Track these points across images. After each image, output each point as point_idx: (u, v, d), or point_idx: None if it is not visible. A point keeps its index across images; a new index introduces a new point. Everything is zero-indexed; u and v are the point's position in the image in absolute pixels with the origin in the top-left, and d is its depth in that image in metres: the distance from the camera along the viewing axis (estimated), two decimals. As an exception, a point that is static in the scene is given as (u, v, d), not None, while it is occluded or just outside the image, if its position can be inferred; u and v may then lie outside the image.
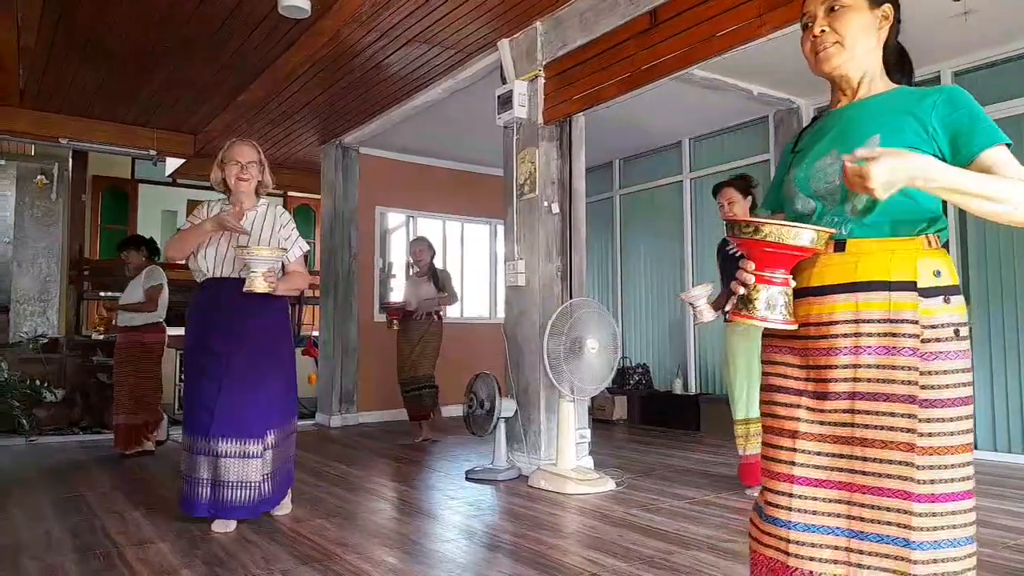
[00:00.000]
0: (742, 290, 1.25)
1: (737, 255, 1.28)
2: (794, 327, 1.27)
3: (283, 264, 3.16)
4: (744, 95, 5.27)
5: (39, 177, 8.22)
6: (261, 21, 4.41)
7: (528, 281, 4.34)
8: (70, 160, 7.76)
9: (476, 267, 7.97)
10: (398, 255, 7.58)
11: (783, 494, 1.30)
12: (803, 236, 1.19)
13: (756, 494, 3.36)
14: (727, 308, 1.26)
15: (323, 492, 3.77)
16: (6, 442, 5.50)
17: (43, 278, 8.09)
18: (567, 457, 3.88)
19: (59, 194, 8.20)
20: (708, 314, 3.56)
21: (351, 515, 3.30)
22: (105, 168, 8.33)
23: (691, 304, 3.51)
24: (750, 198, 3.73)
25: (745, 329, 3.60)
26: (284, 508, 3.27)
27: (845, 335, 1.26)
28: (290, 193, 9.48)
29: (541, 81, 4.34)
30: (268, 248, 2.96)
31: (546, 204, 4.28)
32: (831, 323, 1.28)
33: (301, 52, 4.79)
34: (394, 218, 7.56)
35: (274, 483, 3.09)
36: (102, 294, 7.83)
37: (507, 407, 4.23)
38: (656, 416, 6.47)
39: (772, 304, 1.24)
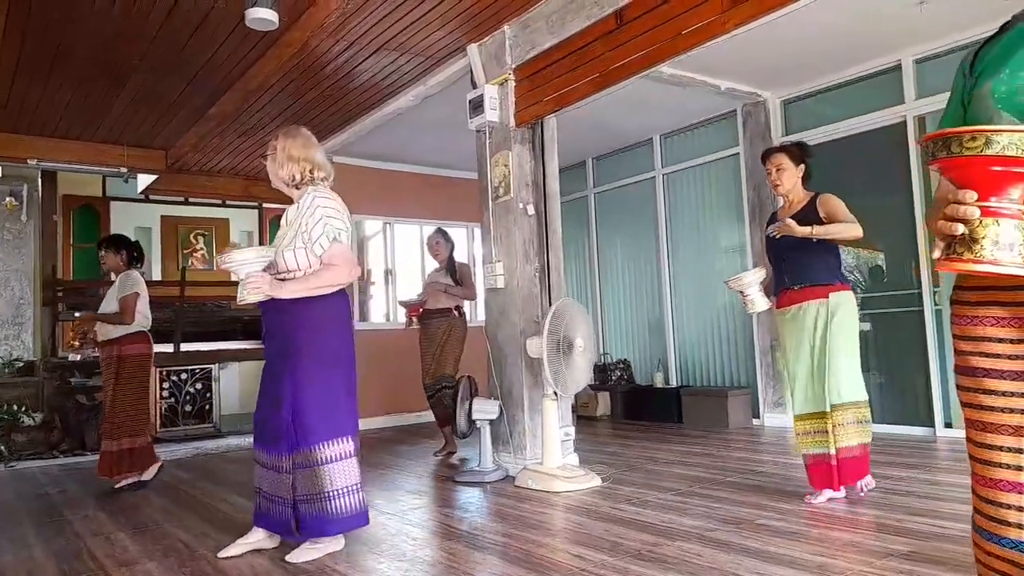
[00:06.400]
0: (961, 228, 0.94)
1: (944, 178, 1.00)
2: None
3: (318, 261, 2.74)
4: (712, 90, 5.35)
5: (8, 199, 8.10)
6: (229, 34, 4.40)
7: (507, 283, 4.37)
8: (39, 180, 7.67)
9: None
10: (376, 263, 7.58)
11: (1010, 507, 1.03)
12: None
13: (817, 500, 3.19)
14: (934, 255, 0.99)
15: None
16: (-15, 469, 5.42)
17: (16, 301, 7.97)
18: (553, 455, 3.91)
19: (29, 215, 8.08)
20: (762, 302, 3.35)
21: (339, 524, 3.29)
22: (76, 187, 8.24)
23: (740, 292, 3.37)
24: (803, 166, 3.34)
25: (794, 314, 3.30)
26: (305, 553, 2.73)
27: None
28: (265, 205, 9.45)
29: (511, 84, 4.37)
30: (244, 249, 2.63)
31: (521, 206, 4.31)
32: None
33: (270, 64, 4.78)
34: (371, 225, 7.55)
35: (309, 509, 2.72)
36: (76, 314, 7.71)
37: (490, 409, 4.25)
38: (639, 411, 6.53)
39: (1006, 244, 0.92)
